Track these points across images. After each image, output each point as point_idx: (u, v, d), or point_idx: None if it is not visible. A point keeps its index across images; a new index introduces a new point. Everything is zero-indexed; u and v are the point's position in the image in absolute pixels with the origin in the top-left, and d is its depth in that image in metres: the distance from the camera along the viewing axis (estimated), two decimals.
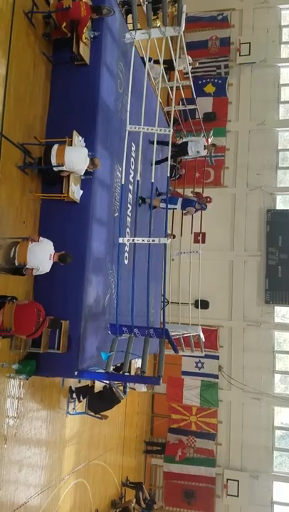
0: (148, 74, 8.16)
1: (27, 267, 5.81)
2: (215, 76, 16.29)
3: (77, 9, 6.62)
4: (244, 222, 15.38)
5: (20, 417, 6.50)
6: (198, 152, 11.76)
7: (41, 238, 5.99)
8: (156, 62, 9.93)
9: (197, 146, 11.66)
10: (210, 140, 13.38)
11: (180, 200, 10.77)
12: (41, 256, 5.85)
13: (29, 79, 6.62)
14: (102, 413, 8.76)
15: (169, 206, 10.41)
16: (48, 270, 5.98)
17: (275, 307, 14.99)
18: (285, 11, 16.32)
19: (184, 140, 12.02)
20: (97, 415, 8.71)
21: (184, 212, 10.95)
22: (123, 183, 7.53)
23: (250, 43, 15.86)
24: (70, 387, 8.18)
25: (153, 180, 7.37)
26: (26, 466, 6.71)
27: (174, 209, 11.03)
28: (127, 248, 8.54)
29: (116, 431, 11.33)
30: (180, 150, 11.80)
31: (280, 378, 15.07)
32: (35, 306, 5.77)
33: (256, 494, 13.92)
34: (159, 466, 14.80)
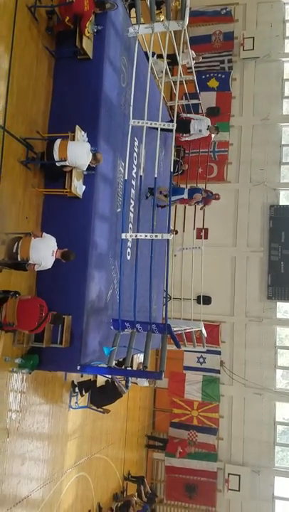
0: (151, 68, 8.12)
1: (29, 262, 5.82)
2: (218, 71, 16.21)
3: (81, 3, 6.58)
4: (247, 218, 15.36)
5: (23, 411, 6.53)
6: (200, 131, 11.57)
7: (44, 234, 5.99)
8: (160, 56, 9.89)
9: (200, 125, 11.48)
10: (213, 136, 13.34)
11: (186, 190, 10.83)
12: (44, 252, 5.86)
13: (32, 73, 6.60)
14: (104, 407, 8.80)
15: (177, 197, 10.54)
16: (49, 266, 5.99)
17: (278, 303, 14.99)
18: None
19: (188, 115, 11.88)
20: (99, 409, 8.75)
21: (190, 200, 10.98)
22: (126, 178, 7.53)
23: (253, 38, 15.77)
24: (73, 381, 8.22)
25: (156, 176, 7.36)
26: (29, 459, 6.76)
27: (181, 199, 11.07)
28: (129, 244, 8.54)
29: (118, 425, 11.39)
30: (182, 126, 11.58)
31: (282, 374, 15.10)
32: (38, 302, 5.79)
33: (257, 489, 13.98)
34: (161, 460, 14.88)
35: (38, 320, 5.71)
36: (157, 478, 15.13)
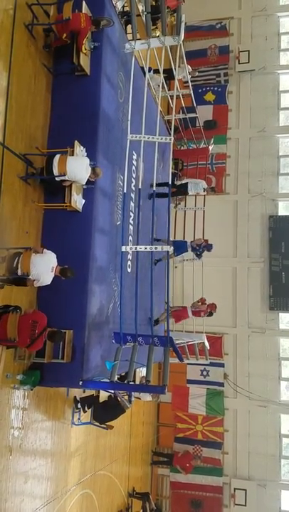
0: (148, 83, 8.21)
1: (29, 277, 5.79)
2: (214, 84, 16.40)
3: (77, 20, 6.68)
4: (246, 229, 15.38)
5: (25, 428, 6.46)
6: (197, 193, 12.65)
7: (45, 250, 5.97)
8: (156, 71, 10.00)
9: (196, 188, 12.35)
10: (210, 148, 13.48)
11: (188, 243, 11.82)
12: (43, 267, 5.83)
13: (30, 90, 6.66)
14: (107, 423, 8.70)
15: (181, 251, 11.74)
16: (48, 282, 5.94)
17: (280, 314, 14.91)
18: (284, 18, 16.44)
19: (184, 181, 12.42)
20: (102, 425, 8.64)
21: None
22: (125, 191, 7.56)
23: (249, 51, 15.97)
24: (75, 397, 8.14)
25: (154, 189, 7.39)
26: (32, 477, 6.66)
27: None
28: (129, 256, 8.54)
29: (121, 441, 11.25)
30: (180, 190, 12.41)
31: (286, 385, 14.94)
32: (31, 317, 5.67)
33: (264, 503, 13.76)
34: (166, 475, 14.67)
35: (30, 336, 5.60)
36: (162, 494, 14.89)
